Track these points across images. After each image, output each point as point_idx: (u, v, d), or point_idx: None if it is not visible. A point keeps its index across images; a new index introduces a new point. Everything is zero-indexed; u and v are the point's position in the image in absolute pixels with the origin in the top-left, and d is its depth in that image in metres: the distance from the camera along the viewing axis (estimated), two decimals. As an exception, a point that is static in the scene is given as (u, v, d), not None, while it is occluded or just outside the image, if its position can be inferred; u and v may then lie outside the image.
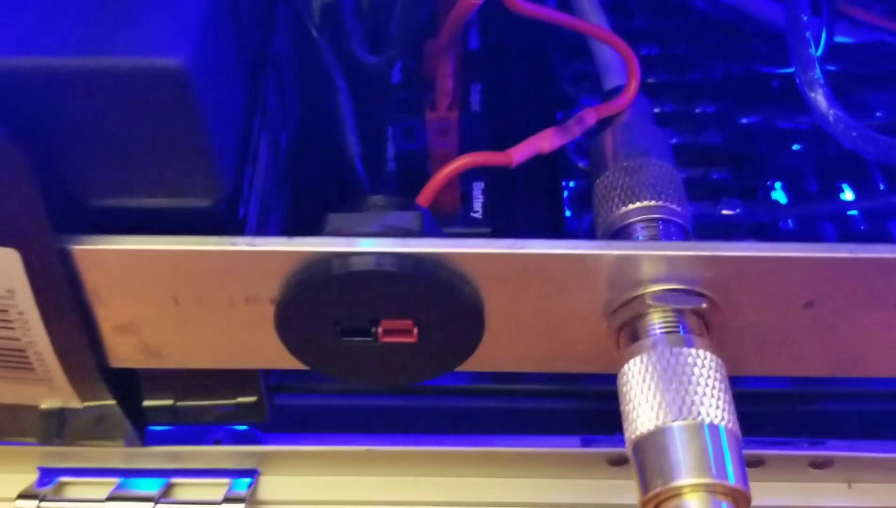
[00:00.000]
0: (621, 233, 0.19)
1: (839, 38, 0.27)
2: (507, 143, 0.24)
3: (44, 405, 0.21)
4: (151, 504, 0.24)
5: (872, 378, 0.26)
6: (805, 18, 0.20)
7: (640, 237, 0.18)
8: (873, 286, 0.17)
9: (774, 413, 0.26)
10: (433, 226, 0.18)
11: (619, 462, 0.25)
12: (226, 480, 0.25)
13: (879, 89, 0.31)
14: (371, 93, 0.22)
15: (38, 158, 0.15)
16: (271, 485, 0.25)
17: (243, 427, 0.25)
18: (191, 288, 0.17)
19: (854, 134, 0.20)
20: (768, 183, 0.29)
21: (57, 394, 0.21)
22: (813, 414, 0.26)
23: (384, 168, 0.25)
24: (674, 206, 0.19)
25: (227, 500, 0.24)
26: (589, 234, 0.25)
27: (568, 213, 0.26)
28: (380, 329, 0.18)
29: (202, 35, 0.15)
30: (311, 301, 0.17)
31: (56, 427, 0.23)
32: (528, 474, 0.25)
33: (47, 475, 0.25)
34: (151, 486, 0.25)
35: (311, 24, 0.21)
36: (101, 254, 0.17)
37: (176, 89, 0.14)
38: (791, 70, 0.30)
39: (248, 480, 0.25)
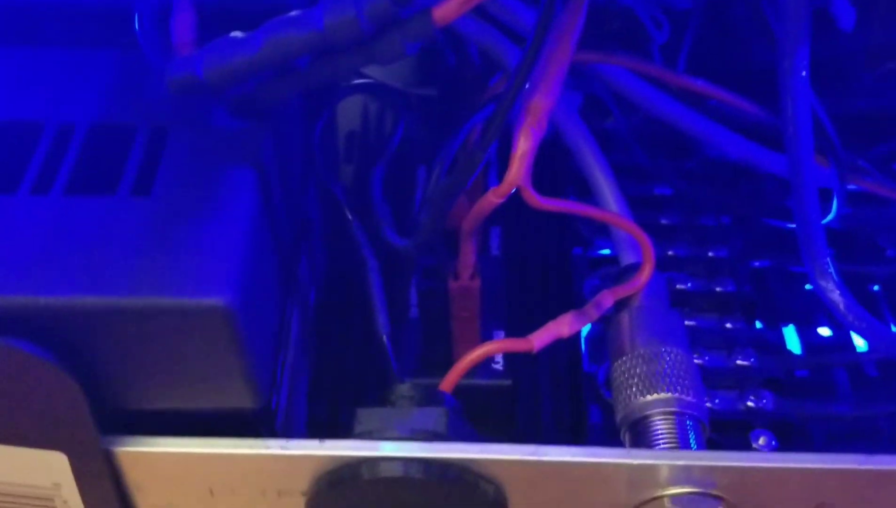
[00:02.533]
0: (640, 424, 0.20)
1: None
2: (524, 285, 0.25)
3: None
4: None
5: None
6: (815, 216, 0.21)
7: (658, 432, 0.19)
8: (881, 492, 0.18)
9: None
10: (458, 422, 0.19)
11: None
12: None
13: (889, 227, 0.31)
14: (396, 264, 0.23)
15: (90, 374, 0.16)
16: None
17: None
18: (226, 482, 0.18)
19: (863, 325, 0.20)
20: (780, 324, 0.30)
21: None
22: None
23: (407, 315, 0.26)
24: (689, 398, 0.20)
25: None
26: (606, 385, 0.25)
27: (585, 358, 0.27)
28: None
29: (243, 274, 0.16)
30: (340, 500, 0.18)
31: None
32: None
33: None
34: None
35: (345, 206, 0.22)
36: (142, 455, 0.18)
37: (220, 324, 0.15)
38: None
39: None
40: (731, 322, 0.29)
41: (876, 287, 0.31)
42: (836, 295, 0.21)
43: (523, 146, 0.19)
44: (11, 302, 0.15)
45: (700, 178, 0.30)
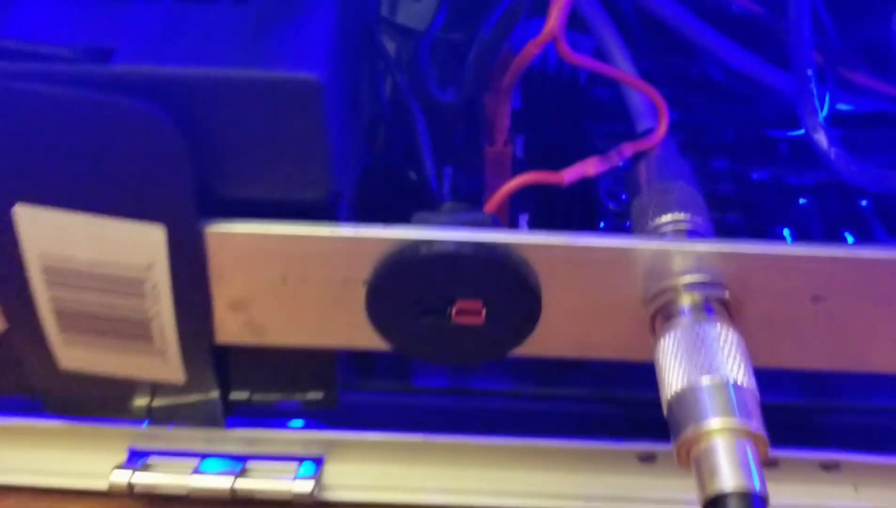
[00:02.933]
0: (656, 240, 0.22)
1: (842, 106, 0.31)
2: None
3: (149, 379, 0.24)
4: (231, 479, 0.27)
5: (877, 395, 0.29)
6: (810, 73, 0.24)
7: (671, 242, 0.22)
8: (877, 285, 0.20)
9: (788, 424, 0.29)
10: (499, 226, 0.21)
11: (648, 458, 0.28)
12: (294, 465, 0.28)
13: (880, 154, 0.35)
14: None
15: (191, 149, 0.19)
16: (335, 471, 0.28)
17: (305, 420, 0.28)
18: (299, 269, 0.21)
19: (853, 168, 0.23)
20: (777, 229, 0.33)
21: (166, 369, 0.24)
22: (824, 426, 0.29)
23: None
24: (699, 219, 0.22)
25: (297, 478, 0.27)
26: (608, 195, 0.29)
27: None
28: (453, 310, 0.21)
29: (329, 62, 0.19)
30: (397, 282, 0.21)
31: (152, 406, 0.26)
32: (565, 468, 0.28)
33: (136, 455, 0.28)
34: (229, 466, 0.28)
35: (394, 66, 0.25)
36: (230, 236, 0.20)
37: (310, 98, 0.18)
38: (797, 133, 0.34)
39: (314, 465, 0.28)
40: (732, 218, 0.32)
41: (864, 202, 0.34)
42: (825, 144, 0.24)
43: (560, 0, 0.22)
44: (130, 70, 0.18)
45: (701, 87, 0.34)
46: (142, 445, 0.28)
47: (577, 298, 0.21)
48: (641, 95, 0.26)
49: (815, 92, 0.24)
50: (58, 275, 0.21)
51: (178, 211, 0.20)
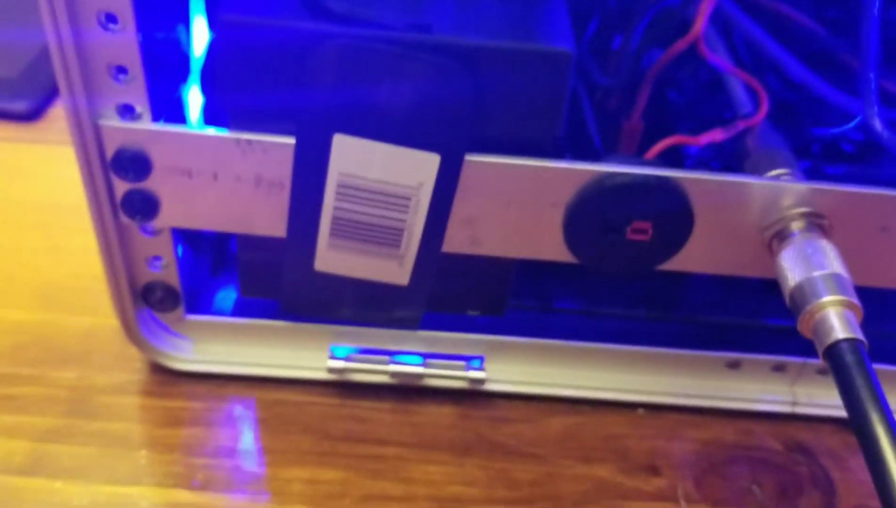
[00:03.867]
0: (766, 187, 0.31)
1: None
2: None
3: (382, 280, 0.32)
4: (421, 369, 0.35)
5: None
6: (872, 75, 0.33)
7: (780, 187, 0.31)
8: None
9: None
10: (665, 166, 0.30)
11: (734, 365, 0.36)
12: (461, 363, 0.36)
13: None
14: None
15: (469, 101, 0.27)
16: (493, 368, 0.36)
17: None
18: (520, 193, 0.29)
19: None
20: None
21: (399, 272, 0.32)
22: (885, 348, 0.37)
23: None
24: (797, 172, 0.31)
25: (469, 369, 0.35)
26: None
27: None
28: (629, 229, 0.30)
29: (570, 36, 0.27)
30: (590, 206, 0.29)
31: (363, 311, 0.34)
32: (669, 371, 0.37)
33: (337, 350, 0.36)
34: (415, 361, 0.36)
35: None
36: (483, 166, 0.29)
37: (563, 65, 0.27)
38: (829, 132, 0.43)
39: (479, 362, 0.36)
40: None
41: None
42: (879, 127, 0.33)
43: (703, 9, 0.31)
44: (445, 40, 0.26)
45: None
46: (340, 343, 0.36)
47: (717, 223, 0.30)
48: (741, 83, 0.35)
49: (874, 90, 0.33)
50: (348, 190, 0.29)
51: (454, 144, 0.28)
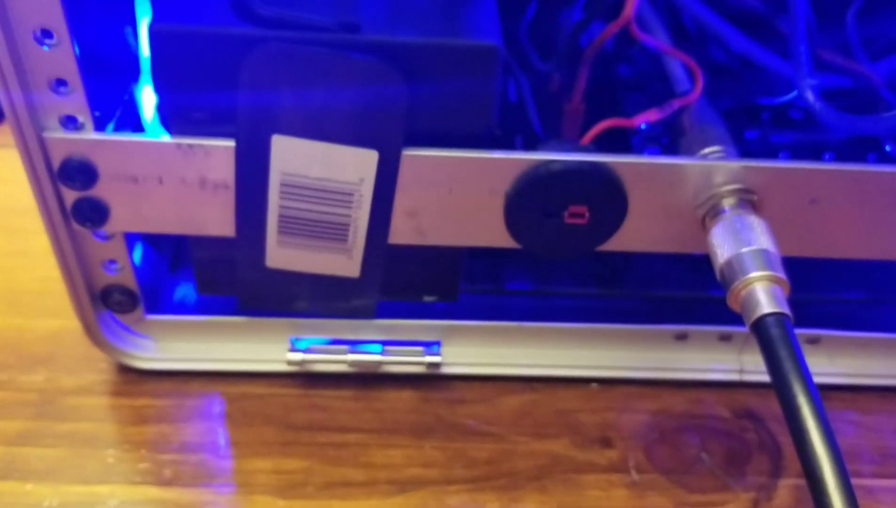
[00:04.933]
0: (700, 165, 0.32)
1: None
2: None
3: (333, 273, 0.33)
4: (380, 357, 0.36)
5: (849, 290, 0.39)
6: (803, 49, 0.34)
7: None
8: (858, 190, 0.30)
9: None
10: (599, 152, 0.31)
11: (681, 337, 0.38)
12: (419, 348, 0.37)
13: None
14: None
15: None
16: (450, 352, 0.37)
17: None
18: (461, 183, 0.30)
19: (831, 116, 0.33)
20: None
21: (349, 265, 0.33)
22: (809, 311, 0.39)
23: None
24: (730, 149, 0.32)
25: (427, 354, 0.36)
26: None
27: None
28: (566, 213, 0.31)
29: (498, 30, 0.28)
30: (528, 192, 0.30)
31: (319, 302, 0.35)
32: (618, 346, 0.38)
33: (297, 342, 0.37)
34: (374, 349, 0.37)
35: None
36: (419, 158, 0.29)
37: (491, 59, 0.27)
38: (779, 101, 0.44)
39: (436, 346, 0.37)
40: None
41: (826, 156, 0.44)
42: (812, 99, 0.34)
43: (632, -7, 0.32)
44: (373, 39, 0.27)
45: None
46: (300, 335, 0.37)
47: (651, 203, 0.31)
48: (679, 62, 0.36)
49: (806, 62, 0.34)
50: (291, 188, 0.30)
51: (390, 139, 0.29)
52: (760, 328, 0.27)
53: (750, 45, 0.40)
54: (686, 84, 0.36)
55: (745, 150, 0.43)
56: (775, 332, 0.26)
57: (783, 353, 0.26)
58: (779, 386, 0.26)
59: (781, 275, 0.28)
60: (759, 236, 0.29)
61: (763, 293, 0.27)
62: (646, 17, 0.36)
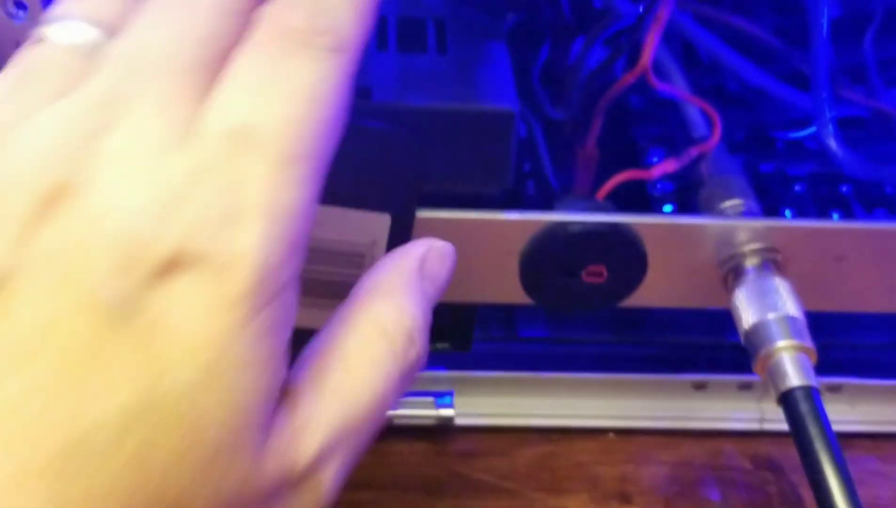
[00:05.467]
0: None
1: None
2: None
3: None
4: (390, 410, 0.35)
5: (869, 336, 0.38)
6: (825, 95, 0.33)
7: (734, 221, 0.31)
8: (881, 248, 0.29)
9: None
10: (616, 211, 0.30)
11: (700, 386, 0.37)
12: (431, 399, 0.36)
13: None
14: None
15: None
16: (463, 402, 0.36)
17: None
18: (474, 244, 0.29)
19: (854, 164, 0.32)
20: (781, 209, 0.42)
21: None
22: (829, 359, 0.38)
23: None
24: (751, 203, 0.31)
25: (439, 407, 0.36)
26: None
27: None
28: (583, 273, 0.30)
29: (513, 93, 0.27)
30: (544, 252, 0.29)
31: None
32: (636, 395, 0.37)
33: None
34: (385, 402, 0.36)
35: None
36: (435, 221, 0.29)
37: (506, 124, 0.27)
38: (795, 134, 0.43)
39: (449, 398, 0.36)
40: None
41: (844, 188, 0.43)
42: (835, 147, 0.33)
43: (650, 41, 0.31)
44: (386, 105, 0.26)
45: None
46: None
47: (671, 261, 0.30)
48: (696, 108, 0.35)
49: (828, 110, 0.33)
50: (300, 252, 0.29)
51: (403, 203, 0.28)
52: (789, 403, 0.26)
53: (766, 78, 0.39)
54: (703, 129, 0.35)
55: (761, 184, 0.42)
56: (804, 407, 0.26)
57: (813, 431, 0.25)
58: (808, 463, 0.25)
59: (808, 344, 0.27)
60: (785, 302, 0.28)
61: (790, 364, 0.27)
62: (661, 61, 0.35)
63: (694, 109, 0.35)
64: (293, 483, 0.18)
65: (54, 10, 0.19)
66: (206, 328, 0.16)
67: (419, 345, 0.20)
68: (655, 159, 0.40)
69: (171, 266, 0.16)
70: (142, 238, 0.16)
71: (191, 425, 0.16)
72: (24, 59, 0.19)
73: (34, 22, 0.25)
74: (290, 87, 0.18)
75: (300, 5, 0.19)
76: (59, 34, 0.19)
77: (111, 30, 0.19)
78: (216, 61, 0.18)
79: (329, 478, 0.19)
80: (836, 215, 0.42)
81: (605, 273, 0.30)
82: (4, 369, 0.16)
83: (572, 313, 0.31)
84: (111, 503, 0.16)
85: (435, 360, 0.36)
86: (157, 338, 0.16)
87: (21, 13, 0.26)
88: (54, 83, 0.18)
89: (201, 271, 0.17)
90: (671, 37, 0.39)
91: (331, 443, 0.19)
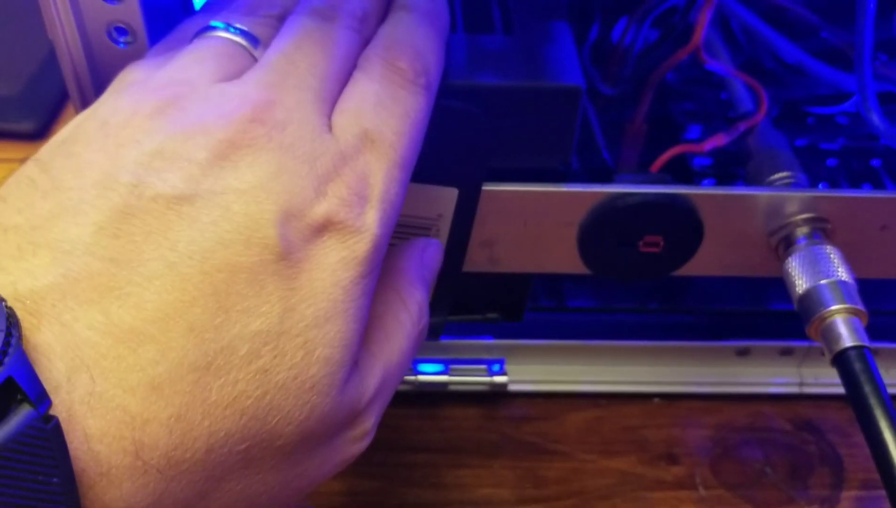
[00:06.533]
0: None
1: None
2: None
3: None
4: (446, 377, 0.37)
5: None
6: (868, 72, 0.34)
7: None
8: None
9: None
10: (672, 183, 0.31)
11: (743, 352, 0.38)
12: (483, 366, 0.38)
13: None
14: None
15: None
16: (514, 369, 0.38)
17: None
18: (536, 216, 0.30)
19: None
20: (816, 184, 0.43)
21: (421, 292, 0.33)
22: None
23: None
24: (799, 174, 0.32)
25: (492, 374, 0.37)
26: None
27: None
28: (641, 243, 0.31)
29: (578, 70, 0.28)
30: (602, 223, 0.30)
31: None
32: (681, 362, 0.38)
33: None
34: (440, 369, 0.37)
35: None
36: (500, 194, 0.30)
37: (573, 100, 0.28)
38: (824, 110, 0.44)
39: (500, 365, 0.38)
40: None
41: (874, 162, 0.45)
42: (878, 122, 0.34)
43: (702, 20, 0.32)
44: (461, 84, 0.27)
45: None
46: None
47: (725, 232, 0.31)
48: (742, 83, 0.36)
49: (870, 88, 0.34)
50: (370, 224, 0.30)
51: (471, 178, 0.29)
52: (843, 362, 0.27)
53: (803, 55, 0.40)
54: (748, 105, 0.36)
55: (799, 161, 0.43)
56: (858, 366, 0.27)
57: (867, 388, 0.26)
58: (863, 421, 0.26)
59: (860, 306, 0.28)
60: (836, 268, 0.29)
61: (843, 326, 0.28)
62: (709, 39, 0.36)
63: (740, 84, 0.36)
64: (355, 417, 0.23)
65: (217, 16, 0.24)
66: (332, 276, 0.21)
67: (427, 316, 0.27)
68: (693, 135, 0.41)
69: (322, 226, 0.21)
70: (307, 199, 0.21)
71: (303, 355, 0.20)
72: (200, 43, 0.24)
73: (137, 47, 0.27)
74: (400, 110, 0.23)
75: (407, 50, 0.24)
76: (226, 33, 0.24)
77: (264, 40, 0.24)
78: (343, 80, 0.24)
79: (374, 417, 0.24)
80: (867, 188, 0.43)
81: (662, 243, 0.31)
82: (174, 275, 0.19)
83: (628, 281, 0.32)
84: (231, 410, 0.19)
85: (486, 329, 0.38)
86: (300, 276, 0.20)
87: (124, 38, 0.27)
88: (226, 65, 0.23)
89: (339, 235, 0.21)
90: (714, 13, 0.40)
91: (378, 390, 0.23)
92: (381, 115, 0.23)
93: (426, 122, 0.24)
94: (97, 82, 0.27)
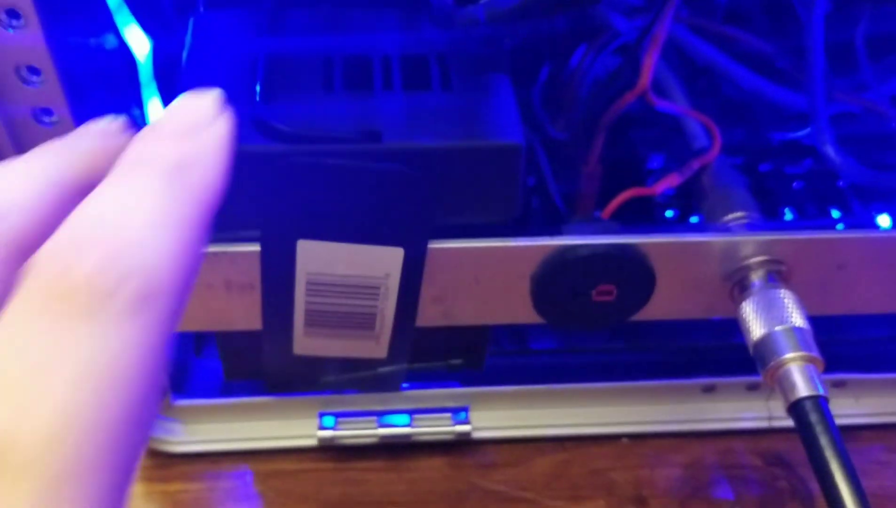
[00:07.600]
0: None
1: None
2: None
3: (360, 356, 0.33)
4: (409, 428, 0.36)
5: (872, 329, 0.39)
6: (822, 106, 0.34)
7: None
8: (879, 255, 0.30)
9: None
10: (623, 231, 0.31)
11: (709, 389, 0.38)
12: (447, 414, 0.37)
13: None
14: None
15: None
16: (478, 416, 0.37)
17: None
18: (488, 270, 0.30)
19: (853, 170, 0.33)
20: (780, 208, 0.43)
21: (376, 348, 0.33)
22: (834, 354, 0.39)
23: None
24: (754, 214, 0.32)
25: (455, 423, 0.37)
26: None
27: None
28: (594, 292, 0.30)
29: (519, 126, 0.28)
30: (555, 275, 0.30)
31: (347, 379, 0.35)
32: (647, 401, 0.38)
33: (326, 418, 0.37)
34: (402, 420, 0.37)
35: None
36: (447, 251, 0.29)
37: (514, 157, 0.27)
38: (790, 135, 0.44)
39: (464, 413, 0.37)
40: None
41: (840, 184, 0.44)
42: (833, 154, 0.33)
43: (648, 62, 0.31)
44: (396, 146, 0.27)
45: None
46: (328, 410, 0.37)
47: (678, 277, 0.31)
48: (696, 121, 0.35)
49: (825, 120, 0.34)
50: (317, 286, 0.30)
51: (416, 237, 0.28)
52: (798, 412, 0.27)
53: (761, 82, 0.40)
54: (703, 140, 0.36)
55: (761, 183, 0.43)
56: (813, 417, 0.27)
57: (823, 440, 0.26)
58: (819, 472, 0.26)
59: (815, 354, 0.28)
60: (791, 313, 0.29)
61: (798, 375, 0.27)
62: (659, 75, 0.36)
63: (694, 121, 0.36)
64: None
65: None
66: None
67: None
68: (655, 166, 0.41)
69: None
70: None
71: None
72: None
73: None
74: (63, 375, 0.13)
75: (99, 249, 0.14)
76: None
77: None
78: None
79: None
80: (835, 211, 0.43)
81: (615, 292, 0.31)
82: None
83: (583, 330, 0.32)
84: None
85: (450, 377, 0.37)
86: None
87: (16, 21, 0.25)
88: None
89: None
90: (667, 46, 0.40)
91: None
92: (15, 406, 0.13)
93: (148, 366, 0.14)
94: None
